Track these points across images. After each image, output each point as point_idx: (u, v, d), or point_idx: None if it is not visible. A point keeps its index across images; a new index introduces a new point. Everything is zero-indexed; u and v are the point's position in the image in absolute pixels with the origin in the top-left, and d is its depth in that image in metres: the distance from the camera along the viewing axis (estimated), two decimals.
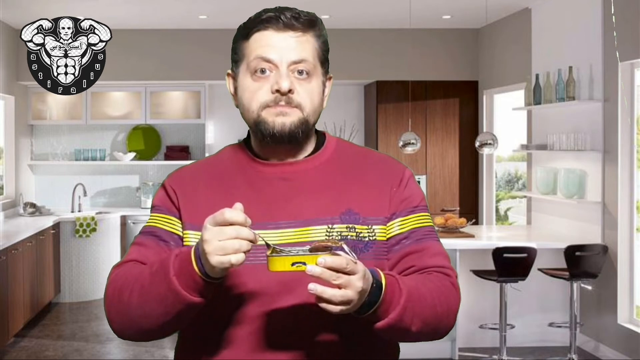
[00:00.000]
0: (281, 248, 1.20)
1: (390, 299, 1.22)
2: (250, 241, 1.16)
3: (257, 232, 1.21)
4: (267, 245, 1.20)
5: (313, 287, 1.13)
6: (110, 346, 5.51)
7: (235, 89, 1.41)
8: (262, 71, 1.34)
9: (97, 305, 6.64)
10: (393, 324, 1.23)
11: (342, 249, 1.18)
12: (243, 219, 1.15)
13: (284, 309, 1.31)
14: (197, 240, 1.24)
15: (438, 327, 1.32)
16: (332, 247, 1.17)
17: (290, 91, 1.33)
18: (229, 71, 1.44)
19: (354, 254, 1.16)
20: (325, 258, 1.12)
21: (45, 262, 6.31)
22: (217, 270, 1.17)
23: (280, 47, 1.33)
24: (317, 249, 1.18)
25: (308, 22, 1.35)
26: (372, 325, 1.24)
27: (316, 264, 1.12)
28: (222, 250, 1.14)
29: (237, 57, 1.39)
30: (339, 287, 1.13)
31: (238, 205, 1.17)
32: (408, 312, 1.23)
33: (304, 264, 1.13)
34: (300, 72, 1.34)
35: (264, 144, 1.39)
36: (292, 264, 1.14)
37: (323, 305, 1.14)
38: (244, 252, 1.15)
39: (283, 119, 1.34)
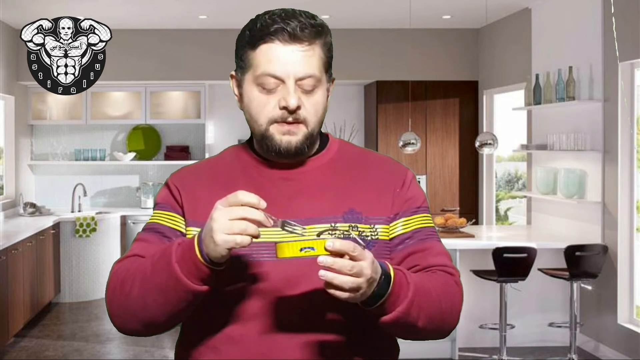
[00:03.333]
0: (290, 221, 1.21)
1: (398, 292, 1.22)
2: (260, 223, 1.17)
3: (260, 229, 1.21)
4: (280, 224, 1.21)
5: (324, 273, 1.13)
6: (110, 346, 5.51)
7: (240, 93, 1.41)
8: (270, 86, 1.34)
9: (97, 305, 6.64)
10: (400, 318, 1.23)
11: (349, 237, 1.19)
12: (256, 200, 1.17)
13: (288, 306, 1.32)
14: None
15: (442, 324, 1.33)
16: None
17: (298, 107, 1.33)
18: (233, 73, 1.43)
19: (361, 242, 1.17)
20: (334, 241, 1.13)
21: (45, 262, 6.31)
22: (220, 250, 1.17)
23: (287, 61, 1.32)
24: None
25: (314, 33, 1.34)
26: (378, 320, 1.24)
27: (324, 248, 1.13)
28: (229, 229, 1.15)
29: (242, 64, 1.38)
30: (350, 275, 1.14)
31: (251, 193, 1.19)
32: (415, 306, 1.24)
33: (313, 249, 1.14)
34: (307, 86, 1.34)
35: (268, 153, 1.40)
36: (301, 250, 1.15)
37: (331, 291, 1.15)
38: (252, 236, 1.16)
39: (290, 137, 1.35)
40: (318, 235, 1.19)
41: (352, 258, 1.14)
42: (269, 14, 1.35)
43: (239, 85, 1.40)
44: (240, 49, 1.38)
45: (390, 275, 1.21)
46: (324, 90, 1.38)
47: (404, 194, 1.42)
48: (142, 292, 1.26)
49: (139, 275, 1.27)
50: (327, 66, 1.39)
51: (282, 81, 1.33)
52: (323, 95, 1.38)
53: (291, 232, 1.21)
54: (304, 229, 1.22)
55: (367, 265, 1.15)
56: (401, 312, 1.23)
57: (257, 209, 1.17)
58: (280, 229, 1.23)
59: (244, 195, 1.17)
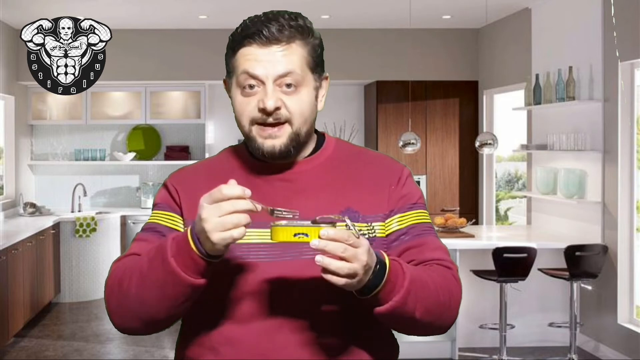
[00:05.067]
0: (281, 209, 1.21)
1: (394, 281, 1.22)
2: (250, 211, 1.17)
3: (258, 230, 1.20)
4: (268, 210, 1.20)
5: (320, 258, 1.14)
6: (110, 346, 5.51)
7: (230, 96, 1.42)
8: (250, 87, 1.34)
9: (97, 305, 6.64)
10: (397, 308, 1.23)
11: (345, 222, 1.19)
12: (241, 192, 1.16)
13: (285, 306, 1.32)
14: None
15: (441, 316, 1.32)
16: (335, 221, 1.18)
17: (277, 108, 1.33)
18: (225, 78, 1.44)
19: (356, 229, 1.17)
20: (328, 230, 1.13)
21: (45, 262, 6.31)
22: (219, 247, 1.17)
23: (266, 61, 1.32)
24: (320, 222, 1.18)
25: (294, 33, 1.34)
26: (374, 311, 1.23)
27: (319, 236, 1.13)
28: (222, 226, 1.15)
29: (228, 69, 1.40)
30: (345, 259, 1.14)
31: (232, 182, 1.18)
32: (411, 296, 1.24)
33: (307, 235, 1.14)
34: (288, 85, 1.34)
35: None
36: (295, 235, 1.15)
37: (328, 277, 1.15)
38: (245, 226, 1.16)
39: (272, 141, 1.35)
40: (313, 222, 1.19)
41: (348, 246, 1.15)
42: (251, 17, 1.36)
43: (229, 90, 1.42)
44: (226, 56, 1.40)
45: (385, 264, 1.21)
46: (309, 89, 1.37)
47: (399, 190, 1.42)
48: (140, 289, 1.26)
49: (136, 272, 1.28)
50: (314, 66, 1.38)
51: (262, 81, 1.33)
52: (308, 94, 1.37)
53: (282, 218, 1.20)
54: (296, 213, 1.21)
55: (362, 251, 1.15)
56: (398, 302, 1.22)
57: (243, 198, 1.16)
58: (269, 222, 1.22)
59: (228, 189, 1.16)
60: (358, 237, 1.15)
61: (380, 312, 1.24)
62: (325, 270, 1.14)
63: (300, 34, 1.35)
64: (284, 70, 1.33)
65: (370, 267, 1.17)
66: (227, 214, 1.15)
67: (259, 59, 1.32)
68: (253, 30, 1.33)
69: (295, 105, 1.34)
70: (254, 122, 1.35)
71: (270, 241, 1.20)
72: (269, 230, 1.20)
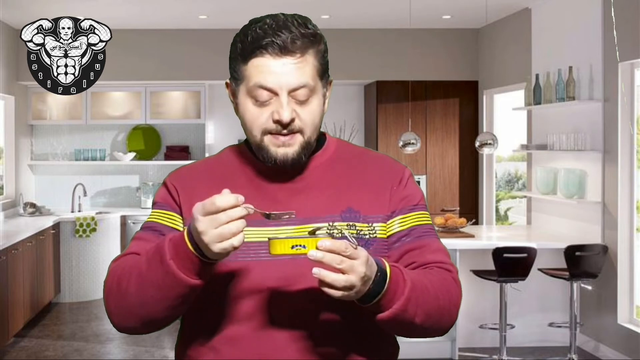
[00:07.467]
0: (276, 212, 1.21)
1: (394, 289, 1.22)
2: (245, 216, 1.17)
3: (257, 229, 1.20)
4: (264, 215, 1.21)
5: (317, 270, 1.14)
6: (110, 346, 5.51)
7: (236, 102, 1.40)
8: (263, 98, 1.33)
9: (97, 305, 6.64)
10: (397, 315, 1.23)
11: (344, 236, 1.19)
12: (234, 200, 1.16)
13: (286, 305, 1.32)
14: None
15: (441, 320, 1.32)
16: (332, 232, 1.19)
17: (292, 120, 1.32)
18: (228, 81, 1.42)
19: (354, 240, 1.17)
20: (325, 241, 1.13)
21: (45, 262, 6.31)
22: (221, 256, 1.18)
23: (279, 73, 1.31)
24: (317, 233, 1.19)
25: (306, 43, 1.32)
26: (375, 317, 1.24)
27: (316, 247, 1.13)
28: (221, 237, 1.15)
29: (236, 76, 1.37)
30: (342, 271, 1.14)
31: (226, 191, 1.18)
32: (412, 303, 1.24)
33: (304, 247, 1.15)
34: (301, 97, 1.33)
35: None
36: (292, 247, 1.15)
37: (325, 289, 1.15)
38: (242, 231, 1.17)
39: (285, 149, 1.34)
40: (311, 232, 1.19)
41: (345, 258, 1.14)
42: (259, 24, 1.32)
43: (234, 95, 1.40)
44: (232, 60, 1.37)
45: (386, 273, 1.21)
46: (319, 97, 1.37)
47: (400, 191, 1.42)
48: (139, 289, 1.26)
49: (134, 272, 1.28)
50: (322, 73, 1.37)
51: (275, 93, 1.32)
52: (319, 103, 1.37)
53: (278, 219, 1.21)
54: (292, 213, 1.21)
55: (359, 263, 1.14)
56: (398, 309, 1.23)
57: (237, 206, 1.16)
58: (267, 220, 1.22)
59: (221, 201, 1.15)
60: (356, 248, 1.15)
61: (381, 319, 1.24)
62: (322, 282, 1.14)
63: (312, 43, 1.34)
64: (298, 84, 1.32)
65: (369, 278, 1.17)
66: (223, 224, 1.15)
67: (272, 70, 1.31)
68: (266, 41, 1.30)
69: (308, 116, 1.34)
70: (267, 132, 1.34)
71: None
72: (267, 228, 1.20)
